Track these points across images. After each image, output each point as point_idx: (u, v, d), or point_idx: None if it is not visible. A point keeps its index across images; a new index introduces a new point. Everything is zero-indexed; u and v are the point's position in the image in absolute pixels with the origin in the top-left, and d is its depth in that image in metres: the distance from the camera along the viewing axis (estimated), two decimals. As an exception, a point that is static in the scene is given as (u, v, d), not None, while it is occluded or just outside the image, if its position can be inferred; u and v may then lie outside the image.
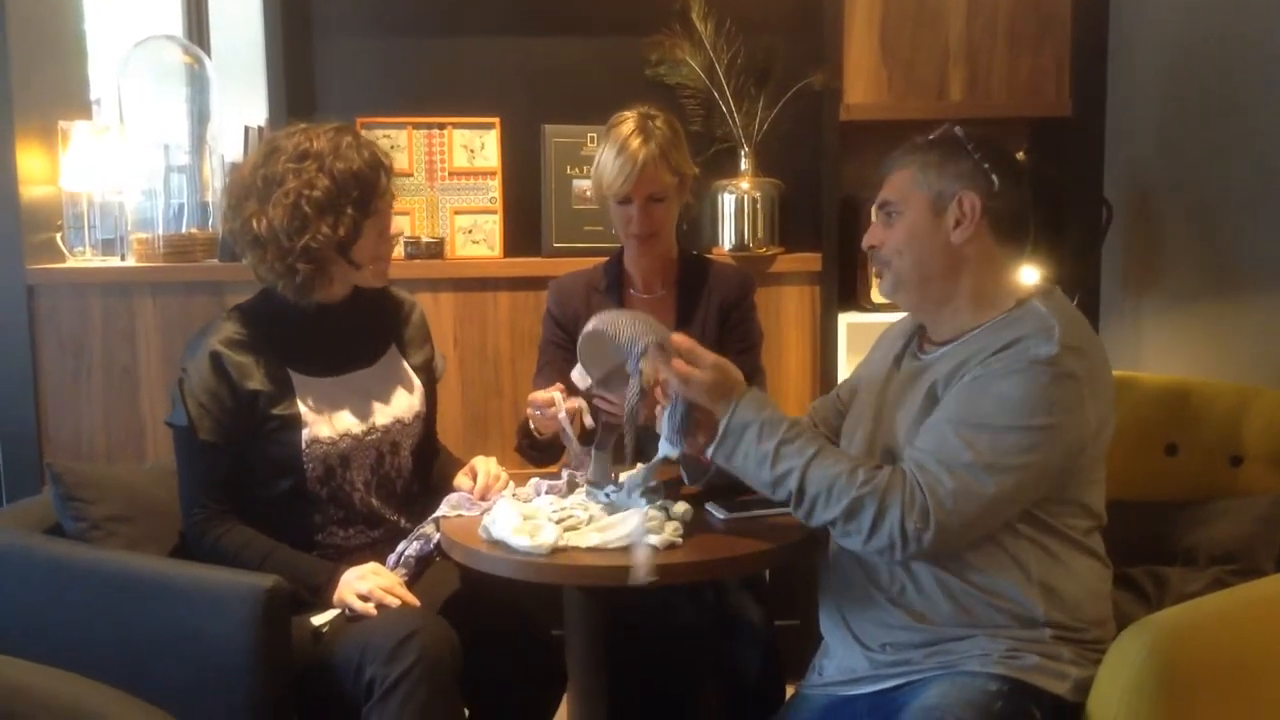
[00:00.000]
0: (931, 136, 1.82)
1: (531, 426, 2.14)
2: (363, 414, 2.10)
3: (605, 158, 2.30)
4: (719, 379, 1.79)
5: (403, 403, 2.16)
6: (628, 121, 2.31)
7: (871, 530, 1.65)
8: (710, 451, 1.78)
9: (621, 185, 2.27)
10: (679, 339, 1.83)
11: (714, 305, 2.38)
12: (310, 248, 1.97)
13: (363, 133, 2.96)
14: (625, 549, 1.78)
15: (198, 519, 2.01)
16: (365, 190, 2.01)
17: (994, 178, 1.75)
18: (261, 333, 2.05)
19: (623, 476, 1.99)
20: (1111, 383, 1.76)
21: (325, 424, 2.05)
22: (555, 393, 2.05)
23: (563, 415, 2.03)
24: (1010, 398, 1.65)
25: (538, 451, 2.26)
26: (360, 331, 2.16)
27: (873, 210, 1.90)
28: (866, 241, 1.84)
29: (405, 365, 2.20)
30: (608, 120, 2.36)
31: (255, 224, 1.98)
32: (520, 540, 1.80)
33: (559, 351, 2.37)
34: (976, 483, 1.63)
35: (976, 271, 1.76)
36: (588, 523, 1.87)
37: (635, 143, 2.27)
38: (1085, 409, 1.67)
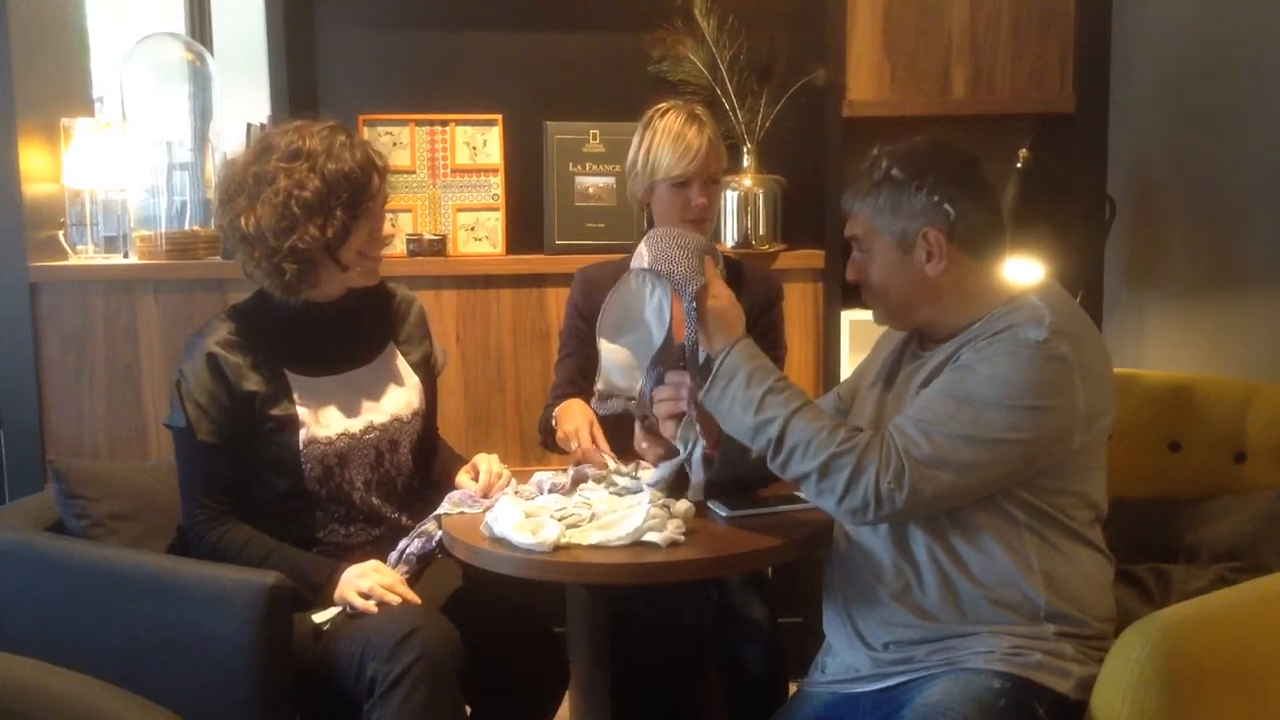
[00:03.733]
0: (875, 177, 1.78)
1: (575, 447, 2.15)
2: (360, 413, 2.09)
3: (657, 142, 2.29)
4: (727, 310, 1.83)
5: (401, 400, 2.15)
6: (675, 109, 2.32)
7: (846, 489, 1.66)
8: (701, 393, 1.79)
9: (688, 165, 2.26)
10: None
11: (743, 308, 2.37)
12: (297, 248, 1.96)
13: (364, 130, 2.99)
14: (632, 544, 1.78)
15: (198, 519, 2.01)
16: (356, 191, 2.00)
17: (948, 209, 1.73)
18: (257, 333, 2.05)
19: (642, 473, 1.99)
20: (1108, 371, 1.76)
21: (322, 424, 2.04)
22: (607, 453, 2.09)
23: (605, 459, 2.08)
24: (997, 377, 1.66)
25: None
26: (357, 330, 2.15)
27: None
28: (848, 276, 1.86)
29: (403, 362, 2.19)
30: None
31: (244, 222, 1.97)
32: (522, 538, 1.79)
33: (582, 346, 2.36)
34: (953, 450, 1.64)
35: (959, 287, 1.77)
36: (590, 520, 1.87)
37: (692, 127, 2.28)
38: (1075, 393, 1.67)
